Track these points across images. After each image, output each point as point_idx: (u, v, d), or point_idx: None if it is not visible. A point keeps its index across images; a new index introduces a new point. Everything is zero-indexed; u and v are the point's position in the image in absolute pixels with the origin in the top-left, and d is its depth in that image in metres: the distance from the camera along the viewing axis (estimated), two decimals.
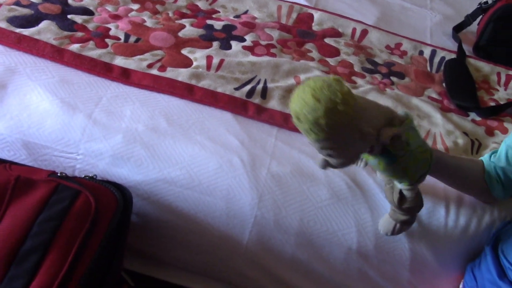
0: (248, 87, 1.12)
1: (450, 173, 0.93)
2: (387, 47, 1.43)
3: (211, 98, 1.07)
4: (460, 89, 1.31)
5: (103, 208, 0.86)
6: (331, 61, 1.30)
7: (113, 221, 0.86)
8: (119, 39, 1.17)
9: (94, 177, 0.93)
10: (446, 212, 0.97)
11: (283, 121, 1.06)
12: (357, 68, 1.30)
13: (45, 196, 0.83)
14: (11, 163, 0.89)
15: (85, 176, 0.92)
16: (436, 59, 1.43)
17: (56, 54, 1.06)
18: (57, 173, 0.88)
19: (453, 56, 1.45)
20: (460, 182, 0.96)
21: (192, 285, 1.06)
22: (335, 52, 1.34)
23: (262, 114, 1.07)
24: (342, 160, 0.78)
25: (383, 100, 1.19)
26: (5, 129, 0.97)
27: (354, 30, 1.46)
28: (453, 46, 1.52)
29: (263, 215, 0.95)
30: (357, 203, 0.97)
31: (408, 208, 0.89)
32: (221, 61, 1.17)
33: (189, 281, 1.07)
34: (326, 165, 0.80)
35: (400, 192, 0.88)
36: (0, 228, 0.78)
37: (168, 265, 1.06)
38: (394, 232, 0.92)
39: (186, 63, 1.15)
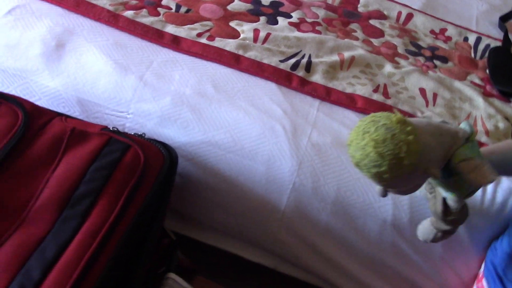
0: (293, 60, 1.15)
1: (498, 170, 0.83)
2: (432, 31, 1.44)
3: (257, 68, 1.10)
4: (503, 76, 1.31)
5: (151, 163, 0.90)
6: (375, 41, 1.32)
7: (160, 177, 0.91)
8: (170, 8, 1.21)
9: (143, 135, 0.97)
10: (483, 189, 0.98)
11: (326, 95, 1.09)
12: (400, 50, 1.31)
13: (98, 147, 0.87)
14: (67, 116, 0.94)
15: (134, 134, 0.96)
16: (481, 46, 1.42)
17: (112, 19, 1.11)
18: (109, 128, 0.93)
19: (498, 44, 1.44)
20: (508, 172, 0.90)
21: (227, 248, 1.11)
22: (380, 33, 1.36)
23: (305, 86, 1.09)
24: (404, 193, 0.75)
25: (425, 82, 1.20)
26: (61, 86, 1.02)
27: (399, 13, 1.47)
28: (499, 35, 1.51)
29: (301, 182, 0.98)
30: None
31: (453, 220, 0.84)
32: (268, 34, 1.20)
33: (225, 244, 1.11)
34: (385, 194, 0.75)
35: (444, 202, 0.81)
36: (56, 174, 0.83)
37: (205, 227, 1.10)
38: (434, 240, 0.88)
39: (234, 34, 1.18)
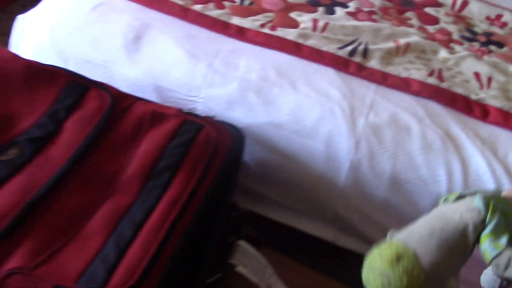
0: (350, 47, 1.22)
1: None
2: (487, 18, 1.47)
3: (316, 55, 1.18)
4: None
5: (221, 142, 0.99)
6: (430, 28, 1.36)
7: (229, 154, 1.00)
8: (235, 2, 1.30)
9: (213, 117, 1.07)
10: None
11: (382, 79, 1.15)
12: (455, 36, 1.35)
13: (175, 127, 0.98)
14: (146, 100, 1.05)
15: (205, 116, 1.06)
16: None
17: (182, 13, 1.22)
18: (184, 110, 1.03)
19: None
20: None
21: (289, 222, 1.19)
22: (435, 20, 1.40)
23: (362, 71, 1.16)
24: None
25: (480, 66, 1.24)
26: (140, 74, 1.13)
27: (454, 0, 1.50)
28: None
29: (359, 160, 1.05)
30: (449, 154, 1.04)
31: None
32: (326, 24, 1.28)
33: (286, 218, 1.19)
34: None
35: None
36: (140, 150, 0.93)
37: (268, 202, 1.19)
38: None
39: (294, 24, 1.26)
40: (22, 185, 0.82)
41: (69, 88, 0.98)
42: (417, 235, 0.69)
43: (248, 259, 0.96)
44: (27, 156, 0.87)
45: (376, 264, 0.67)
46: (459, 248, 0.67)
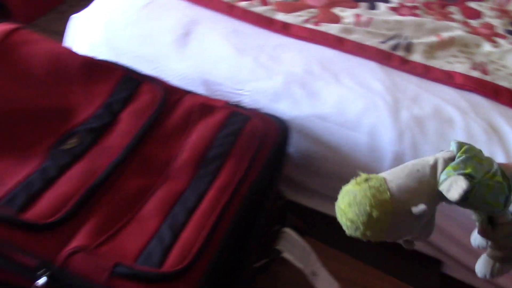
0: (393, 42, 1.24)
1: None
2: None
3: (359, 50, 1.20)
4: None
5: (267, 133, 1.03)
6: (473, 22, 1.37)
7: (275, 145, 1.03)
8: None
9: (258, 109, 1.10)
10: None
11: (425, 72, 1.17)
12: (499, 30, 1.35)
13: (224, 118, 1.02)
14: (196, 93, 1.09)
15: (252, 108, 1.10)
16: None
17: (229, 9, 1.26)
18: (231, 103, 1.07)
19: None
20: None
21: (333, 213, 1.21)
22: (478, 14, 1.40)
23: (405, 65, 1.18)
24: (419, 237, 0.70)
25: None
26: (188, 69, 1.18)
27: None
28: None
29: (402, 151, 1.07)
30: (493, 146, 1.05)
31: (505, 237, 0.73)
32: (369, 19, 1.30)
33: (330, 209, 1.21)
34: (410, 245, 0.73)
35: (491, 220, 0.72)
36: (191, 140, 0.98)
37: (312, 193, 1.22)
38: (493, 273, 0.77)
39: (337, 19, 1.29)
40: (82, 171, 0.88)
41: (123, 82, 1.04)
42: (391, 170, 0.69)
43: (293, 246, 0.99)
44: (86, 145, 0.92)
45: (347, 186, 0.68)
46: (429, 178, 0.66)
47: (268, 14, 1.27)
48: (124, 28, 1.21)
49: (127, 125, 0.96)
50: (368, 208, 0.62)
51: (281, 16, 1.27)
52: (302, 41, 1.21)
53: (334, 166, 1.14)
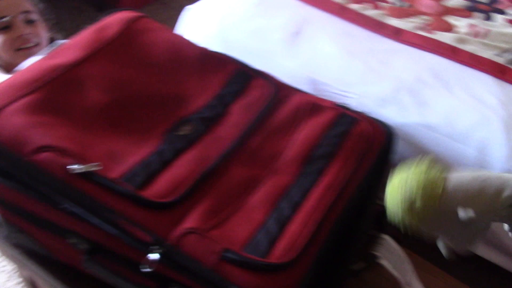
0: (509, 55, 1.19)
1: None
2: None
3: (473, 61, 1.17)
4: None
5: (375, 137, 1.02)
6: None
7: (381, 150, 1.02)
8: (391, 3, 1.32)
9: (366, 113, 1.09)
10: None
11: None
12: None
13: (332, 118, 1.01)
14: (304, 91, 1.10)
15: (359, 111, 1.09)
16: None
17: (340, 11, 1.26)
18: (338, 104, 1.07)
19: None
20: None
21: None
22: None
23: None
24: (459, 244, 0.68)
25: None
26: (297, 67, 1.19)
27: None
28: None
29: None
30: None
31: None
32: (486, 30, 1.26)
33: None
34: (450, 255, 0.72)
35: None
36: (299, 137, 0.98)
37: None
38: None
39: (450, 28, 1.26)
40: (196, 157, 0.91)
41: (236, 75, 1.06)
42: (463, 169, 0.66)
43: (391, 254, 0.98)
44: (199, 133, 0.95)
45: (405, 166, 0.65)
46: (490, 193, 0.61)
47: (380, 18, 1.26)
48: (239, 22, 1.24)
49: (237, 118, 0.98)
50: (413, 196, 0.61)
51: (393, 21, 1.25)
52: (414, 48, 1.19)
53: None
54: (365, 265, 0.96)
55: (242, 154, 0.95)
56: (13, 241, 0.94)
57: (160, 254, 0.77)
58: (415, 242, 1.15)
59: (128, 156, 0.89)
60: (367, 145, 1.00)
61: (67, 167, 0.76)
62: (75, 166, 0.76)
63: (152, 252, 0.76)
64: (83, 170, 0.77)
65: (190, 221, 0.82)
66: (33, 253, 0.92)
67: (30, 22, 1.56)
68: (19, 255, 0.94)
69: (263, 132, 1.00)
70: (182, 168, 0.88)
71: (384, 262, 0.96)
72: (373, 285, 1.05)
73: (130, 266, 0.78)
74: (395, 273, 0.97)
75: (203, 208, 0.84)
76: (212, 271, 0.75)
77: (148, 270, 0.74)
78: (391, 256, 0.98)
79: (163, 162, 0.88)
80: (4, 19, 1.48)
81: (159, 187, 0.84)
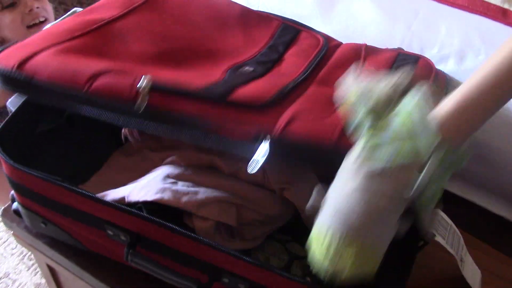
0: None
1: None
2: None
3: None
4: None
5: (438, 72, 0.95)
6: None
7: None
8: None
9: None
10: None
11: None
12: None
13: (393, 56, 0.95)
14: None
15: None
16: None
17: None
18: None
19: None
20: None
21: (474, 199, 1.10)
22: None
23: None
24: None
25: None
26: (333, 32, 1.08)
27: None
28: None
29: None
30: None
31: None
32: None
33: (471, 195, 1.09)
34: None
35: None
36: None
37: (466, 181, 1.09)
38: None
39: None
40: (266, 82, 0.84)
41: (283, 28, 1.01)
42: None
43: (445, 230, 0.88)
44: (261, 72, 0.87)
45: None
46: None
47: None
48: None
49: (292, 64, 0.91)
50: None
51: None
52: (460, 9, 1.10)
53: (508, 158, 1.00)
54: (425, 243, 0.85)
55: (313, 81, 0.87)
56: (35, 231, 0.89)
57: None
58: (463, 218, 1.05)
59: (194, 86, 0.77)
60: (435, 73, 0.92)
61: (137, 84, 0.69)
62: (145, 81, 0.69)
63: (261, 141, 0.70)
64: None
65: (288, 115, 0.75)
66: (56, 242, 0.88)
67: None
68: (41, 245, 0.89)
69: (328, 67, 0.91)
70: (259, 84, 0.82)
71: (440, 240, 0.85)
72: (429, 261, 0.96)
73: (177, 258, 0.71)
74: (450, 250, 0.87)
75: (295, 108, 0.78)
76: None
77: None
78: (446, 233, 0.88)
79: (233, 87, 0.79)
80: None
81: (243, 96, 0.77)
